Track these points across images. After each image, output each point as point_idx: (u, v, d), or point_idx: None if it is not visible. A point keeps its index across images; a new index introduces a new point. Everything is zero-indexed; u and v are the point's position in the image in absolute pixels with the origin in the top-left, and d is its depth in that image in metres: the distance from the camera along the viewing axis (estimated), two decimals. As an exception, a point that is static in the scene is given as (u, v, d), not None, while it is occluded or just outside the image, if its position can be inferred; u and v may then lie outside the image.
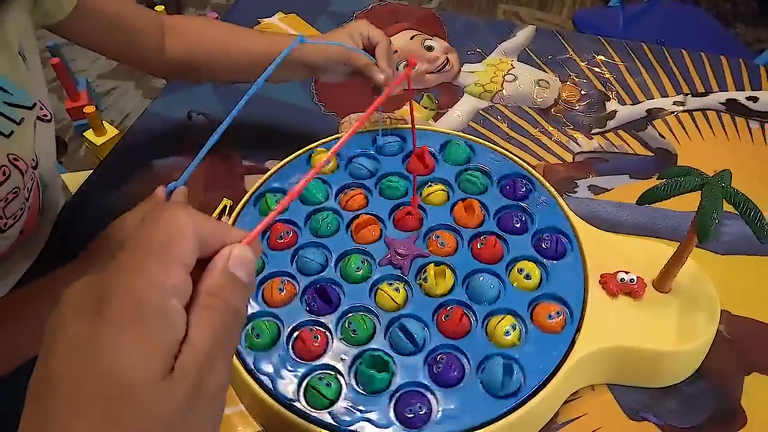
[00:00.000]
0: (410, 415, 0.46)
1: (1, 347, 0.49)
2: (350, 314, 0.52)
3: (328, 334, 0.51)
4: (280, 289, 0.54)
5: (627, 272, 0.54)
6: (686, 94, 0.80)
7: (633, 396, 0.54)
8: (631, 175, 0.71)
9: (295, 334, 0.51)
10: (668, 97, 0.80)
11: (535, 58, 0.86)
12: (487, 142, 0.66)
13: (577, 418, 0.53)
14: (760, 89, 0.80)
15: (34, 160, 0.53)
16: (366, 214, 0.59)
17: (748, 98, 0.79)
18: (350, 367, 0.49)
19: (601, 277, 0.54)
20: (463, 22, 0.93)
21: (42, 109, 0.54)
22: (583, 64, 0.85)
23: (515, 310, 0.52)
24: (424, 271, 0.54)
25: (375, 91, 0.63)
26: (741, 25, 2.06)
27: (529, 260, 0.55)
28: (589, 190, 0.70)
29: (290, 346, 0.51)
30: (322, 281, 0.54)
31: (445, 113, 0.79)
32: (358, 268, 0.55)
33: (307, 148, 0.66)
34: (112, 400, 0.21)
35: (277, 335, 0.51)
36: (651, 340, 0.51)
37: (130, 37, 0.61)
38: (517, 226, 0.58)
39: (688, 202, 0.47)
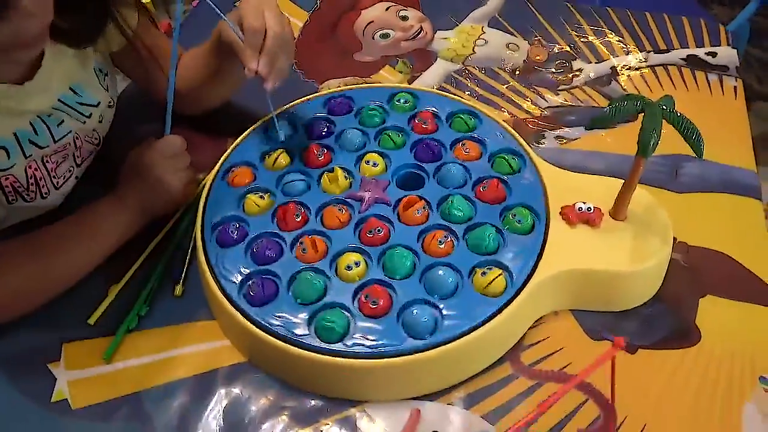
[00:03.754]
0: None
1: (51, 274, 0.58)
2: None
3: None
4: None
5: (584, 202, 0.57)
6: (648, 51, 0.84)
7: (595, 319, 0.57)
8: (587, 127, 0.75)
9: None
10: (631, 54, 0.84)
11: (505, 23, 0.89)
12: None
13: (541, 340, 0.56)
14: (719, 46, 0.84)
15: (96, 138, 0.66)
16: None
17: (707, 53, 0.83)
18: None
19: (561, 208, 0.58)
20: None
21: (110, 104, 0.67)
22: (550, 27, 0.88)
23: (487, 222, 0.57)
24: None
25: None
26: (717, 6, 2.10)
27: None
28: (556, 140, 0.73)
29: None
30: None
31: (419, 76, 0.83)
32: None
33: (286, 106, 0.70)
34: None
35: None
36: (608, 262, 0.55)
37: (156, 72, 0.67)
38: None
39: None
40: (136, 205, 0.61)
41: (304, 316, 0.52)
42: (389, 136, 0.66)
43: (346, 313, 0.52)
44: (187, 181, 0.65)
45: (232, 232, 0.58)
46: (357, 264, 0.55)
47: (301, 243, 0.56)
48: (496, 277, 0.52)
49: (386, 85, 0.79)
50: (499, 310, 0.52)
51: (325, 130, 0.68)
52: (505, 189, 0.60)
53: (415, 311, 0.51)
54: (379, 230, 0.57)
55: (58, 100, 0.60)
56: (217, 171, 0.65)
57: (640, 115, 0.50)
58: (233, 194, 0.62)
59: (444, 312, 0.52)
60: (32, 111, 0.58)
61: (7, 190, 0.57)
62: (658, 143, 0.47)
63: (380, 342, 0.50)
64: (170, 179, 0.62)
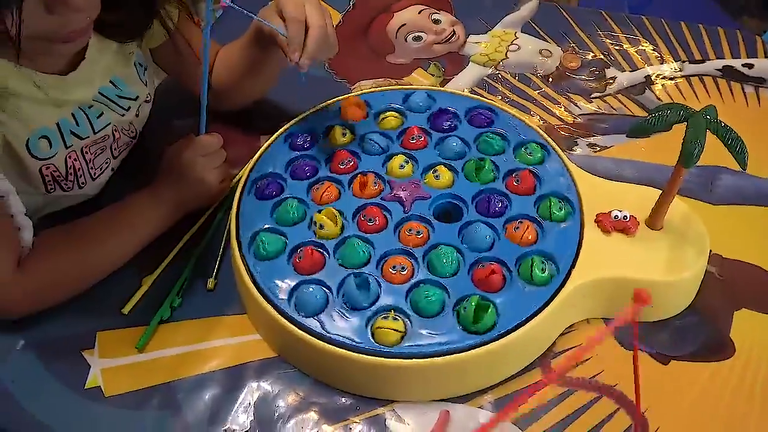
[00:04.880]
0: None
1: (87, 263, 0.59)
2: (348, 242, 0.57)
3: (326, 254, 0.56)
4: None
5: (620, 211, 0.57)
6: (683, 62, 0.83)
7: (627, 328, 0.56)
8: (628, 134, 0.74)
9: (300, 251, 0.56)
10: (666, 63, 0.83)
11: (538, 29, 0.89)
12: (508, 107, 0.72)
13: (573, 347, 0.56)
14: (756, 57, 0.83)
15: (133, 131, 0.67)
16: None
17: (744, 65, 0.82)
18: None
19: (596, 216, 0.58)
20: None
21: (148, 98, 0.68)
22: (583, 35, 0.88)
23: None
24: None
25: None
26: (747, 17, 2.08)
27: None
28: (588, 147, 0.73)
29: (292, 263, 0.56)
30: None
31: (451, 80, 0.83)
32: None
33: (324, 104, 0.71)
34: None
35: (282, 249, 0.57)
36: (642, 271, 0.54)
37: (194, 68, 0.67)
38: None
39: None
40: (171, 199, 0.63)
41: (357, 321, 0.52)
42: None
43: (402, 315, 0.52)
44: (222, 178, 0.66)
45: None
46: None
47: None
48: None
49: (400, 87, 0.78)
50: (532, 316, 0.52)
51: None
52: (535, 181, 0.61)
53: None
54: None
55: (99, 92, 0.61)
56: (246, 179, 0.64)
57: (676, 125, 0.50)
58: (265, 205, 0.61)
59: (499, 306, 0.52)
60: (74, 102, 0.59)
61: (46, 179, 0.58)
62: (701, 154, 0.47)
63: (440, 341, 0.50)
64: (206, 176, 0.63)
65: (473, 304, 0.50)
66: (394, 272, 0.54)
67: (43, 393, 0.54)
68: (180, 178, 0.63)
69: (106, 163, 0.64)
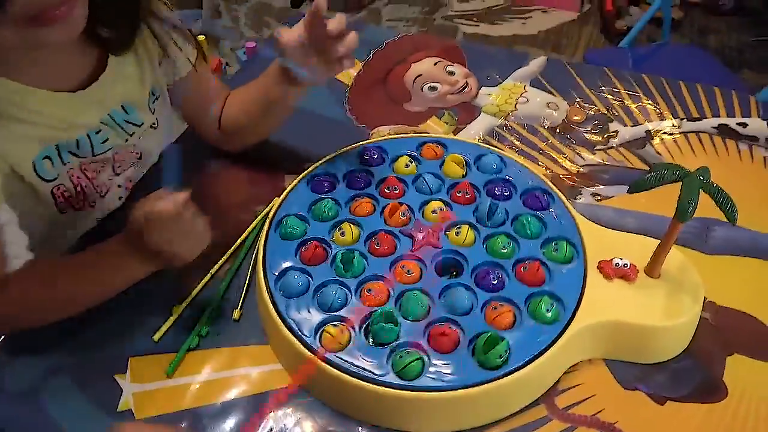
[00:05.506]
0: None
1: (62, 297, 0.60)
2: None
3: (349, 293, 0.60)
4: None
5: (621, 259, 0.61)
6: (682, 119, 0.89)
7: (627, 369, 0.61)
8: (629, 191, 0.79)
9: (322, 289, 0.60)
10: (665, 120, 0.88)
11: (545, 84, 0.95)
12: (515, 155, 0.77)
13: (575, 386, 0.60)
14: (750, 117, 0.89)
15: (138, 153, 0.70)
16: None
17: (739, 123, 0.87)
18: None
19: (599, 263, 0.62)
20: (482, 52, 1.03)
21: (154, 125, 0.71)
22: (588, 90, 0.94)
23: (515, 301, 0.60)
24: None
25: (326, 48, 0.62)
26: (747, 71, 2.16)
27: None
28: (592, 196, 0.78)
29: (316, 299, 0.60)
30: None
31: (463, 128, 0.88)
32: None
33: (345, 149, 0.76)
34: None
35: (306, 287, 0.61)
36: (641, 316, 0.59)
37: (204, 110, 0.73)
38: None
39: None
40: (143, 258, 0.58)
41: (381, 358, 0.55)
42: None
43: (421, 352, 0.56)
44: (204, 245, 0.59)
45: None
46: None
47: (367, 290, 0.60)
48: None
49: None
50: (540, 354, 0.56)
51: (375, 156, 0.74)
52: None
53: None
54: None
55: (108, 115, 0.64)
56: (272, 220, 0.68)
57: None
58: (289, 245, 0.65)
59: (511, 343, 0.55)
60: (83, 125, 0.62)
61: (58, 201, 0.62)
62: (695, 210, 0.52)
63: (457, 376, 0.54)
64: (173, 249, 0.57)
65: (485, 338, 0.54)
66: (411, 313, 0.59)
67: (78, 414, 0.58)
68: (145, 248, 0.56)
69: (110, 179, 0.68)
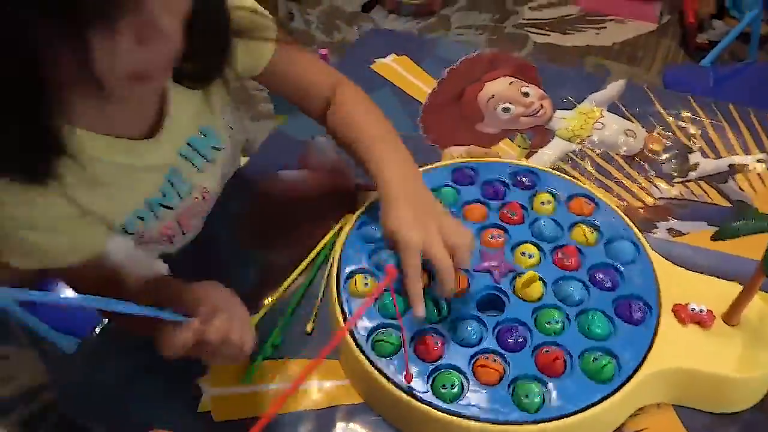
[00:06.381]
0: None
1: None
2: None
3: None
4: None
5: (698, 304, 0.60)
6: (769, 153, 0.85)
7: (696, 417, 0.60)
8: (708, 222, 0.77)
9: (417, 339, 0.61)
10: (751, 155, 0.85)
11: (623, 109, 0.94)
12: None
13: (641, 430, 0.59)
14: None
15: (219, 187, 0.71)
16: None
17: (832, 162, 0.83)
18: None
19: (673, 306, 0.61)
20: (557, 72, 1.02)
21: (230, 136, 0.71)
22: (669, 118, 0.91)
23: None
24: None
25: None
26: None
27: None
28: (667, 231, 0.76)
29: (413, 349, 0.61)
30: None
31: (536, 152, 0.88)
32: None
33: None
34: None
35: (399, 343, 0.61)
36: (716, 365, 0.57)
37: (304, 95, 0.75)
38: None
39: (760, 252, 0.53)
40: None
41: (424, 374, 0.58)
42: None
43: (462, 377, 0.58)
44: (245, 354, 0.55)
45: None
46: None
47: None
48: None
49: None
50: (604, 398, 0.56)
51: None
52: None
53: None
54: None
55: (187, 143, 0.62)
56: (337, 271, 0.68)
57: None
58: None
59: (552, 391, 0.56)
60: (164, 165, 0.60)
61: (137, 243, 0.62)
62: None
63: (490, 408, 0.55)
64: (210, 359, 0.55)
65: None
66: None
67: (161, 414, 0.62)
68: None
69: (201, 221, 0.71)
